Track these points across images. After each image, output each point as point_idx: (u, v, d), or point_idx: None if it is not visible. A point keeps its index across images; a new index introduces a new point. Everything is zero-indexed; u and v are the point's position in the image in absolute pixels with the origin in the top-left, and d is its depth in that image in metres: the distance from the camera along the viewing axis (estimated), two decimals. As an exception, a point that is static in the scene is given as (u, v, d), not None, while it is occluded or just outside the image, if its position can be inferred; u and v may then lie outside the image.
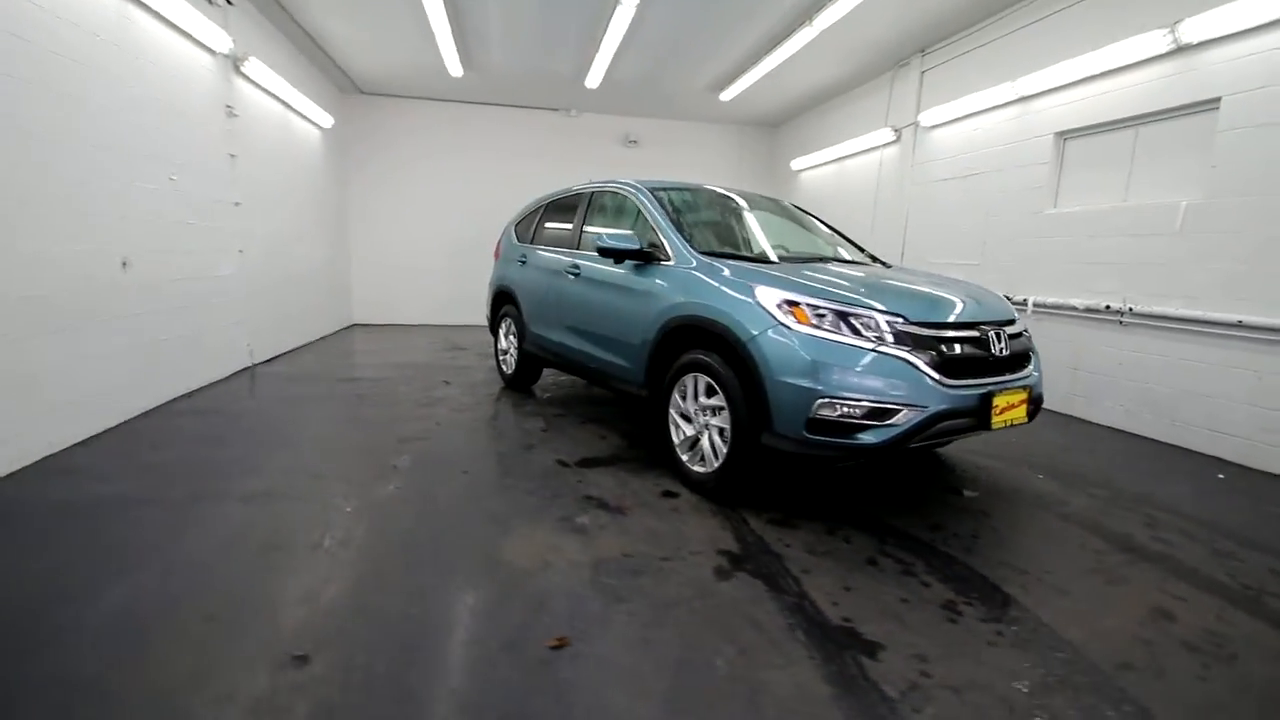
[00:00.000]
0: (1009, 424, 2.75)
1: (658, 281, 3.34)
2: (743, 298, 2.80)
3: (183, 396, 4.53)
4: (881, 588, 2.26)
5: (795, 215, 4.37)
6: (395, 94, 9.08)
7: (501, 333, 5.47)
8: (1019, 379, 2.83)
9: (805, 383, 2.52)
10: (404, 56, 7.36)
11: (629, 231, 3.64)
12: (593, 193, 4.41)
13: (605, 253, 3.61)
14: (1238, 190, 3.86)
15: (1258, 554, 2.65)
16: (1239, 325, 3.80)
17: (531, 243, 5.09)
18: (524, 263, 5.01)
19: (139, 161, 4.02)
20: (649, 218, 3.63)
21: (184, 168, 4.55)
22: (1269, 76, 3.68)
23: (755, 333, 2.67)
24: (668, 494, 3.08)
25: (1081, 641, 1.98)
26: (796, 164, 9.54)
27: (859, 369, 2.51)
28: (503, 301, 5.46)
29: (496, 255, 5.77)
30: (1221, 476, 3.65)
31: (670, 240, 3.41)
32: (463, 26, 6.45)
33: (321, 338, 7.94)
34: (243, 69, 5.44)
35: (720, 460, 2.91)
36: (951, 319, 2.72)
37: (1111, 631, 2.05)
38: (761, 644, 1.90)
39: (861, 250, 4.18)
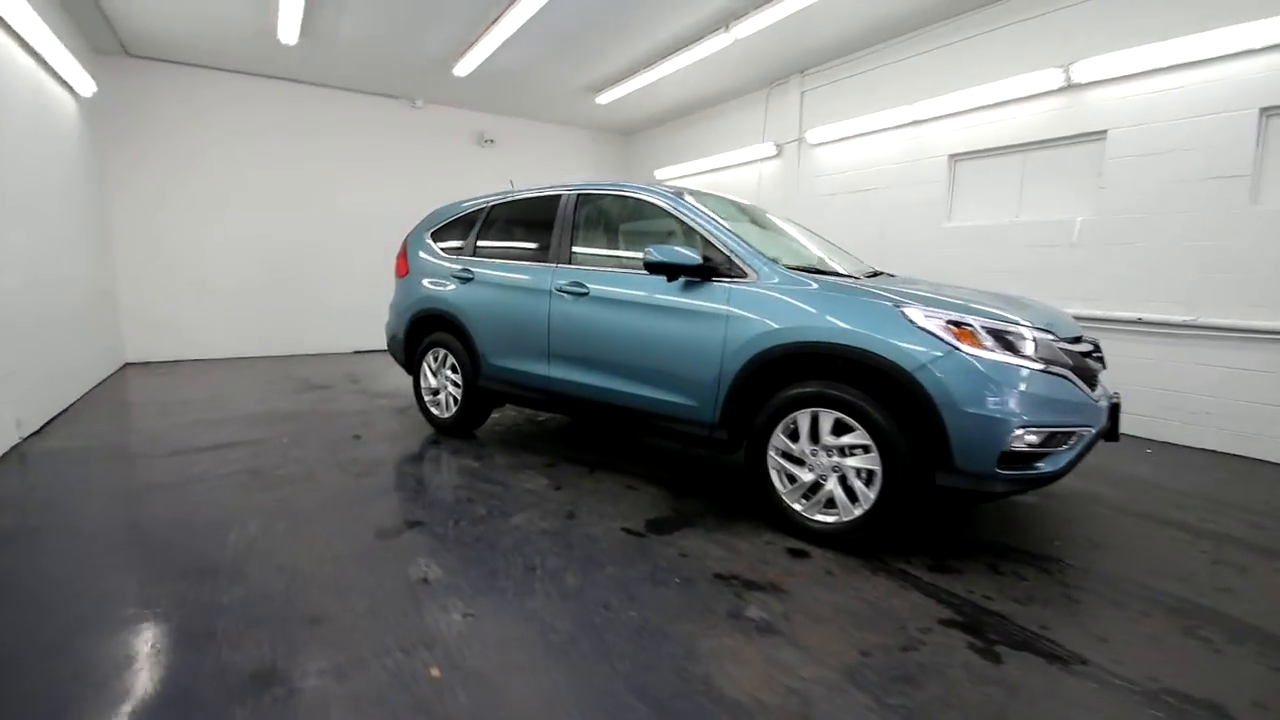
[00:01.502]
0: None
1: (734, 303, 2.82)
2: (891, 320, 2.44)
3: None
4: (1128, 628, 2.10)
5: (777, 224, 4.13)
6: (183, 60, 6.89)
7: (427, 369, 4.35)
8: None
9: (999, 413, 2.26)
10: (212, 7, 5.55)
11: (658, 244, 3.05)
12: (578, 196, 3.67)
13: (656, 268, 2.97)
14: (1126, 208, 4.61)
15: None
16: (1139, 321, 4.55)
17: (475, 255, 4.11)
18: (467, 280, 4.02)
19: None
20: (702, 227, 3.07)
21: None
22: (1147, 115, 4.45)
23: (924, 360, 2.33)
24: (796, 553, 2.58)
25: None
26: (663, 174, 9.46)
27: (1043, 393, 2.32)
28: (428, 330, 4.34)
29: (401, 271, 4.59)
30: (1149, 450, 4.32)
31: (744, 254, 2.91)
32: (319, -22, 5.07)
33: (96, 386, 5.64)
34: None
35: (865, 507, 2.51)
36: (1075, 333, 2.70)
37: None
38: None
39: (860, 261, 4.11)
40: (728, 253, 2.93)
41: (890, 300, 2.50)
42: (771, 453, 2.74)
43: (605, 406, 3.35)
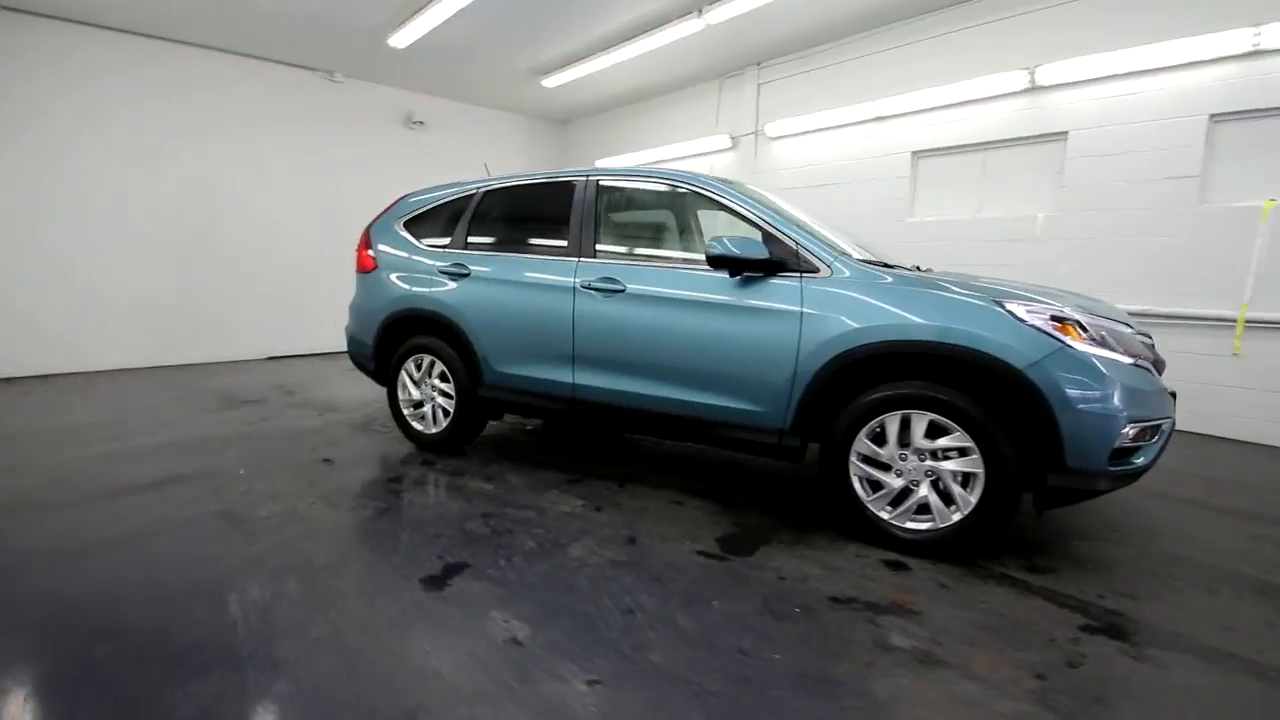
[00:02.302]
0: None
1: (809, 300, 2.61)
2: (994, 317, 2.33)
3: None
4: (1237, 613, 2.12)
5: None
6: (50, 13, 5.61)
7: (407, 379, 3.79)
8: None
9: (1111, 409, 2.21)
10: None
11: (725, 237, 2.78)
12: (598, 183, 3.30)
13: (720, 263, 2.71)
14: (1084, 206, 4.92)
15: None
16: (1099, 312, 4.88)
17: (467, 249, 3.61)
18: (461, 277, 3.52)
19: None
20: (763, 219, 2.83)
21: None
22: (1106, 118, 4.76)
23: (1036, 357, 2.25)
24: (894, 566, 2.43)
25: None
26: (605, 164, 9.12)
27: (1139, 386, 2.31)
28: (408, 333, 3.79)
29: (365, 266, 3.98)
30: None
31: (814, 248, 2.71)
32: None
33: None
34: None
35: (964, 512, 2.40)
36: (1131, 325, 2.74)
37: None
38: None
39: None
40: (795, 246, 2.72)
41: (989, 296, 2.40)
42: (854, 459, 2.57)
43: (647, 415, 3.03)
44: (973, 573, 2.39)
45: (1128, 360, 2.34)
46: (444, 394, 3.67)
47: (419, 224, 3.88)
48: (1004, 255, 5.33)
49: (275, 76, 7.07)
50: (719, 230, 3.00)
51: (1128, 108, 4.64)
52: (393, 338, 3.85)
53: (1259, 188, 4.19)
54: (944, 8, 5.48)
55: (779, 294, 2.67)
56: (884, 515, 2.55)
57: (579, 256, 3.21)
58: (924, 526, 2.49)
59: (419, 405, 3.80)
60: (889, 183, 6.07)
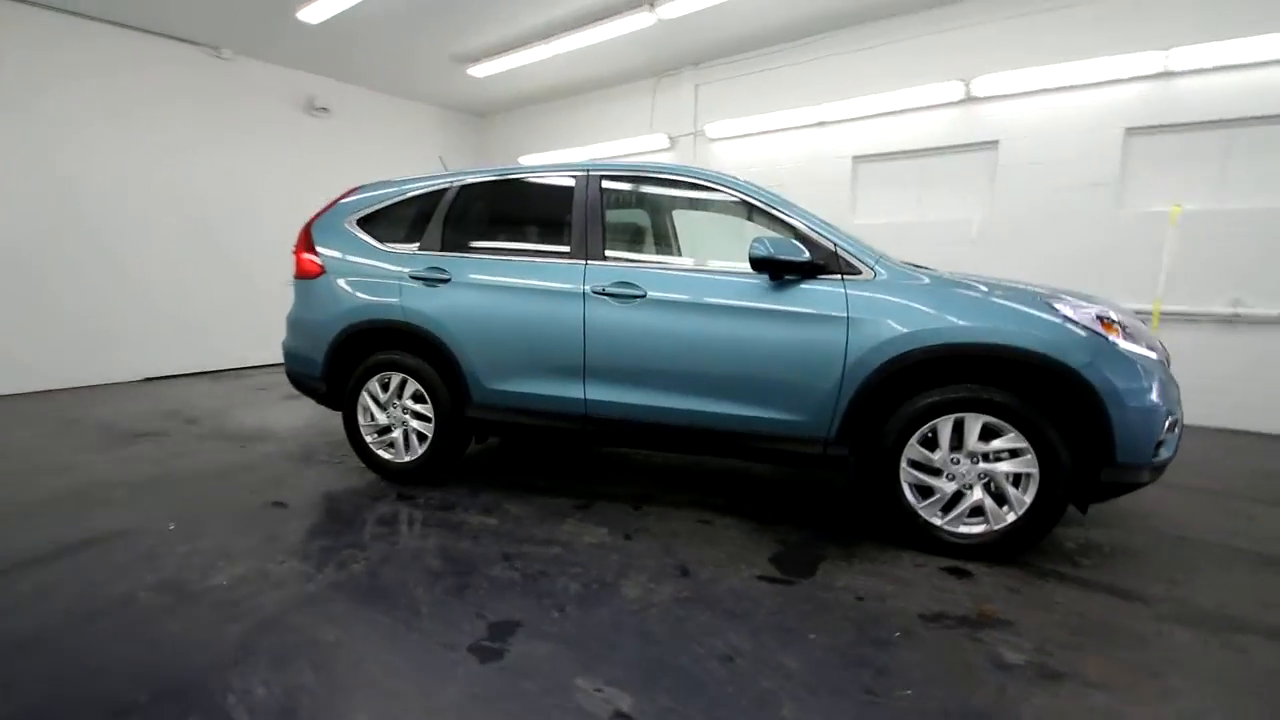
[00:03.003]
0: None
1: (855, 304, 2.49)
2: (1046, 317, 2.34)
3: None
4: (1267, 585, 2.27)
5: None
6: None
7: (369, 401, 3.27)
8: None
9: (1155, 404, 2.28)
10: None
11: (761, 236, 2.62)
12: (600, 178, 3.00)
13: (763, 265, 2.53)
14: (1015, 210, 5.29)
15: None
16: (1032, 308, 5.26)
17: (444, 251, 3.17)
18: (439, 283, 3.09)
19: None
20: (798, 220, 2.68)
21: None
22: (1032, 128, 5.14)
23: (1090, 357, 2.27)
24: (958, 573, 2.37)
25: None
26: (528, 161, 8.69)
27: (1168, 380, 2.42)
28: (370, 349, 3.28)
29: (308, 271, 3.40)
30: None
31: (854, 250, 2.60)
32: None
33: None
34: None
35: (1017, 513, 2.39)
36: None
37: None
38: None
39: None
40: (833, 247, 2.60)
41: (1038, 298, 2.41)
42: (904, 465, 2.50)
43: (674, 431, 2.79)
44: (1028, 573, 2.39)
45: (1156, 356, 2.44)
46: (419, 416, 3.21)
47: (376, 223, 3.37)
48: (944, 257, 5.60)
49: (147, 50, 6.00)
50: (740, 232, 2.84)
51: (1053, 120, 5.04)
52: (349, 354, 3.31)
53: (1168, 194, 4.69)
54: (883, 18, 5.69)
55: (822, 298, 2.54)
56: (936, 521, 2.50)
57: (586, 259, 2.91)
58: (978, 530, 2.46)
59: (385, 430, 3.29)
60: (830, 186, 6.22)
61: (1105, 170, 4.87)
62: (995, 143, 5.32)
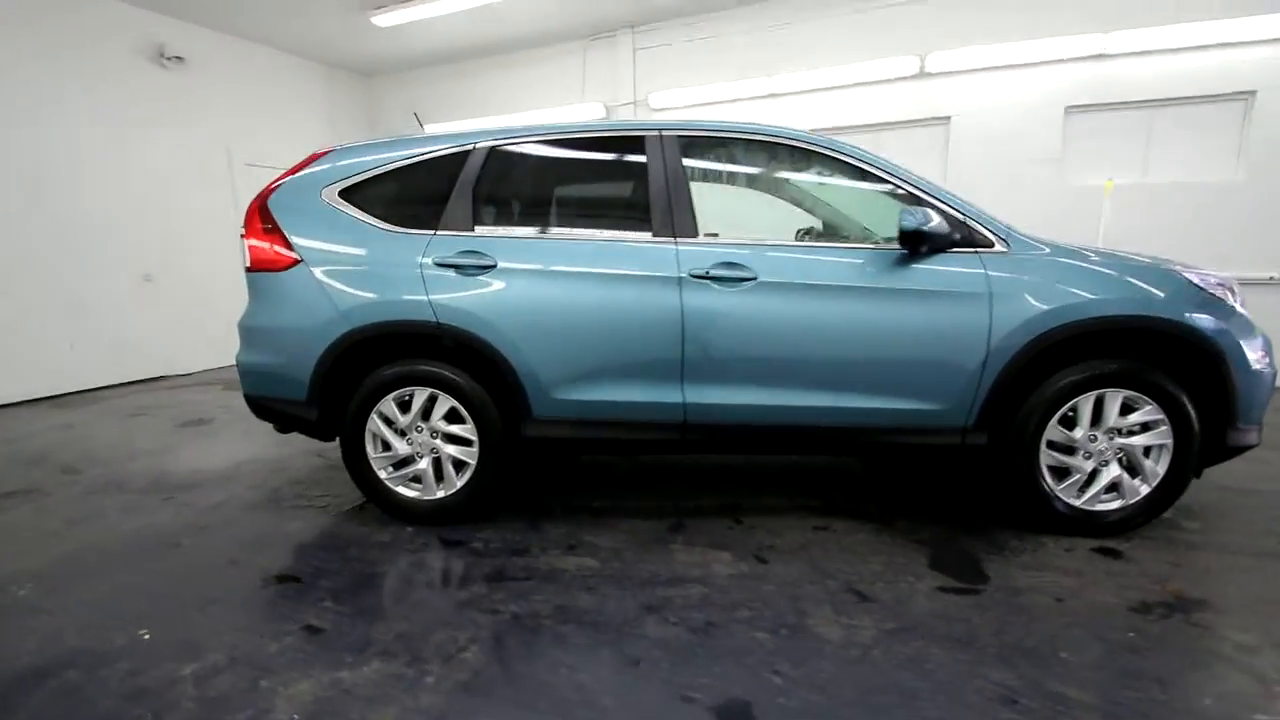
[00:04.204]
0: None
1: (994, 281, 2.30)
2: (1183, 287, 2.30)
3: None
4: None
5: None
6: None
7: (382, 428, 2.54)
8: None
9: (1268, 366, 2.34)
10: None
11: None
12: (682, 141, 2.52)
13: (913, 239, 2.25)
14: (967, 185, 5.51)
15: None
16: (986, 278, 5.56)
17: (476, 230, 2.51)
18: (483, 271, 2.43)
19: None
20: (925, 190, 2.42)
21: None
22: (983, 105, 5.36)
23: (1222, 324, 2.27)
24: (1108, 553, 2.30)
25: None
26: (434, 129, 7.65)
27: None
28: (380, 360, 2.54)
29: (273, 262, 2.56)
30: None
31: (985, 221, 2.40)
32: None
33: None
34: None
35: (1150, 485, 2.37)
36: None
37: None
38: None
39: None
40: (962, 217, 2.39)
41: (1169, 267, 2.37)
42: (1044, 447, 2.38)
43: (792, 432, 2.45)
44: (1166, 544, 2.39)
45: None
46: (455, 440, 2.55)
47: (367, 196, 2.60)
48: (899, 230, 5.77)
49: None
50: (842, 202, 2.54)
51: (1002, 97, 5.30)
52: (350, 370, 2.55)
53: (1103, 169, 5.13)
54: (837, -12, 5.63)
55: (960, 274, 2.33)
56: (1074, 502, 2.42)
57: (675, 238, 2.44)
58: (1114, 506, 2.41)
59: (406, 462, 2.59)
60: (784, 160, 6.12)
61: (1050, 146, 5.22)
62: (948, 118, 5.51)
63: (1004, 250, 2.37)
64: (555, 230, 2.59)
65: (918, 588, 2.11)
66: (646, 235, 2.47)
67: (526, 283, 2.44)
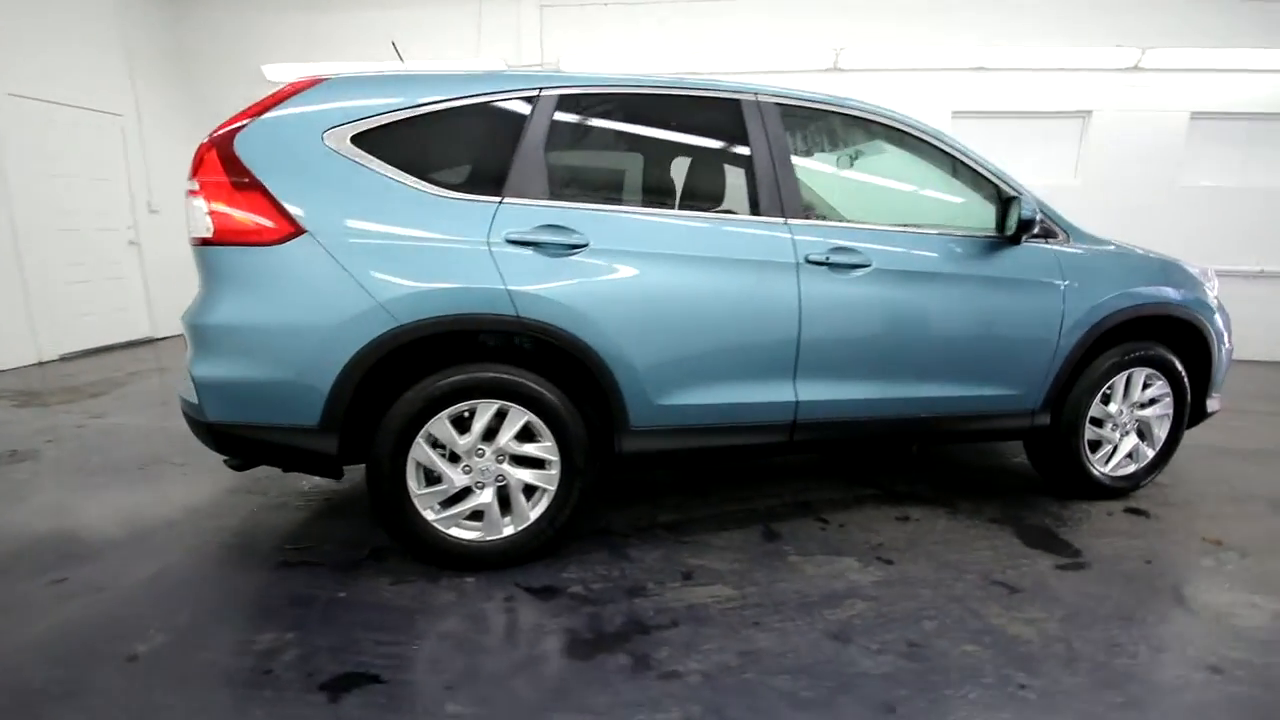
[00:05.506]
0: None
1: (1065, 269, 2.43)
2: (1198, 281, 2.65)
3: None
4: None
5: None
6: None
7: (431, 455, 1.94)
8: None
9: (1229, 343, 2.81)
10: None
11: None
12: (779, 108, 2.24)
13: (1023, 228, 2.26)
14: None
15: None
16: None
17: (557, 197, 1.99)
18: (572, 250, 1.94)
19: None
20: (1000, 178, 2.43)
21: None
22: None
23: (1210, 310, 2.66)
24: (1138, 513, 2.60)
25: None
26: (275, 73, 6.25)
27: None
28: (430, 366, 1.92)
29: (260, 235, 1.80)
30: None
31: (1050, 212, 2.50)
32: None
33: None
34: None
35: (1155, 449, 2.72)
36: None
37: None
38: None
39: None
40: (1035, 205, 2.47)
41: (1178, 261, 2.70)
42: (1088, 424, 2.60)
43: (889, 426, 2.38)
44: (1170, 503, 2.77)
45: None
46: (525, 462, 2.04)
47: (395, 145, 1.92)
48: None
49: None
50: (932, 186, 2.50)
51: (897, 98, 5.73)
52: (385, 381, 1.89)
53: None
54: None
55: (1039, 263, 2.43)
56: (1104, 470, 2.69)
57: (784, 217, 2.18)
58: (1130, 470, 2.73)
59: (461, 496, 2.01)
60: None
61: (939, 146, 5.81)
62: (855, 113, 5.85)
63: (1065, 241, 2.52)
64: (647, 204, 2.19)
65: (1040, 569, 2.17)
66: (753, 214, 2.18)
67: (628, 267, 2.01)
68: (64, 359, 5.15)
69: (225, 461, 2.09)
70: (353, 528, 2.39)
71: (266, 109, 1.89)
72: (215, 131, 1.87)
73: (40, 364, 4.99)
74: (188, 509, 2.55)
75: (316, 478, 2.71)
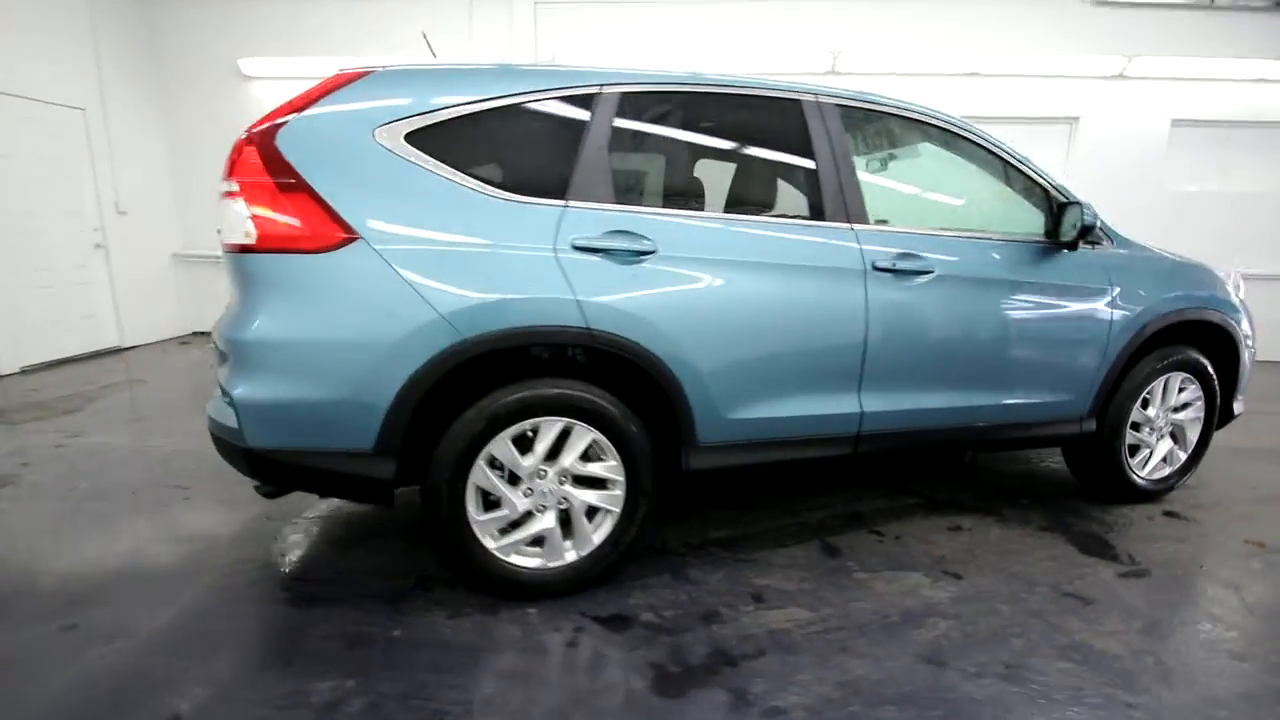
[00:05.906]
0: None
1: (1113, 276, 2.43)
2: (1222, 283, 2.69)
3: None
4: None
5: None
6: None
7: (491, 478, 1.80)
8: None
9: (1252, 346, 2.87)
10: None
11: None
12: (841, 109, 2.18)
13: (1082, 234, 2.24)
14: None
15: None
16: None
17: (625, 202, 1.88)
18: (640, 257, 1.83)
19: None
20: (1049, 181, 2.41)
21: None
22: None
23: (1239, 314, 2.71)
24: (1175, 516, 2.63)
25: None
26: (253, 67, 5.94)
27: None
28: (492, 384, 1.78)
29: (303, 238, 1.64)
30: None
31: (1092, 210, 2.49)
32: None
33: None
34: None
35: (1188, 452, 2.76)
36: None
37: None
38: None
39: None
40: (1084, 209, 2.46)
41: (1210, 266, 2.74)
42: (1128, 430, 2.62)
43: (947, 435, 2.33)
44: (1203, 506, 2.81)
45: None
46: (588, 483, 1.92)
47: (451, 144, 1.78)
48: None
49: None
50: (987, 192, 2.47)
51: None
52: (448, 399, 1.75)
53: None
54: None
55: (1090, 268, 2.43)
56: (1143, 474, 2.71)
57: (849, 222, 2.11)
58: (1165, 473, 2.76)
59: (520, 522, 1.88)
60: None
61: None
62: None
63: (1108, 246, 2.52)
64: (712, 209, 2.09)
65: (1105, 578, 2.16)
66: (817, 220, 2.11)
67: (696, 275, 1.91)
68: (25, 371, 4.77)
69: (256, 488, 1.91)
70: (387, 555, 2.23)
71: (310, 103, 1.73)
72: (253, 127, 1.70)
73: (-1, 378, 4.61)
74: (199, 539, 2.34)
75: (335, 499, 2.53)
